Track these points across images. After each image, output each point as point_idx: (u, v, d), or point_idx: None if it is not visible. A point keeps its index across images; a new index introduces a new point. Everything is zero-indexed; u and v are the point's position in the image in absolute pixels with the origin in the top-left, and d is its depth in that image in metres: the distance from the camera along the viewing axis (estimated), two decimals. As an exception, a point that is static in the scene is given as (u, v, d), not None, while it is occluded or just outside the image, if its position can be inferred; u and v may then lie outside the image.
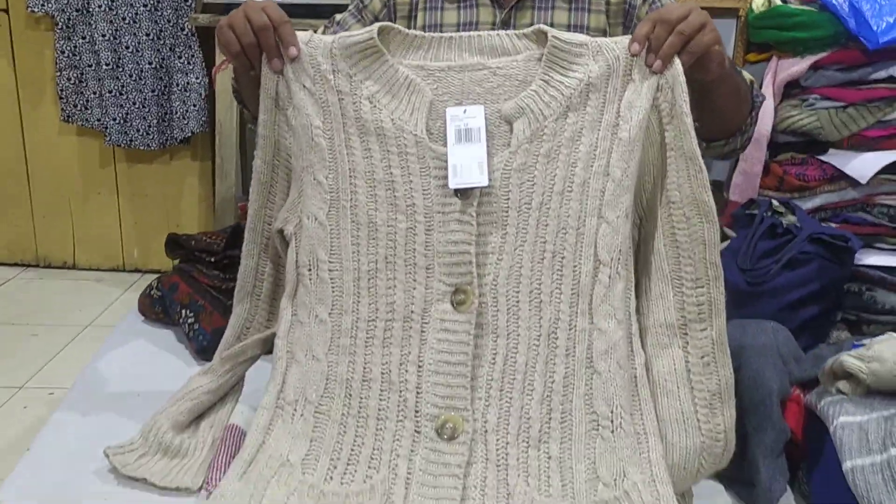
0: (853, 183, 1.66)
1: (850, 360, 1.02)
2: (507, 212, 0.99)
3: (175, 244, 1.63)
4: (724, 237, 1.75)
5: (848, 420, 0.98)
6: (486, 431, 0.95)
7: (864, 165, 1.65)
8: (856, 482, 0.92)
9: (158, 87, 2.33)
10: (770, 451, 1.03)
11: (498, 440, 0.95)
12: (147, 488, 1.04)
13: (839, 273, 1.52)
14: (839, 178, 1.66)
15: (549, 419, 0.96)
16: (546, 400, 0.96)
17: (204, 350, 1.40)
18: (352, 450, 0.98)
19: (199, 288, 1.50)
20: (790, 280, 1.49)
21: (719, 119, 1.16)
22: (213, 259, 1.56)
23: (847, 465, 0.93)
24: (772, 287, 1.50)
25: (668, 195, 1.01)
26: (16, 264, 2.64)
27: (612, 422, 0.96)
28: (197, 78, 2.32)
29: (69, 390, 1.30)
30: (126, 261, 2.66)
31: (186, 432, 1.14)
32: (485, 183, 0.98)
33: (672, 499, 0.92)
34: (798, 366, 1.15)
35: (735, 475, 1.06)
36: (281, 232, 1.10)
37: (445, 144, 1.00)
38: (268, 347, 1.16)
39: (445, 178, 0.99)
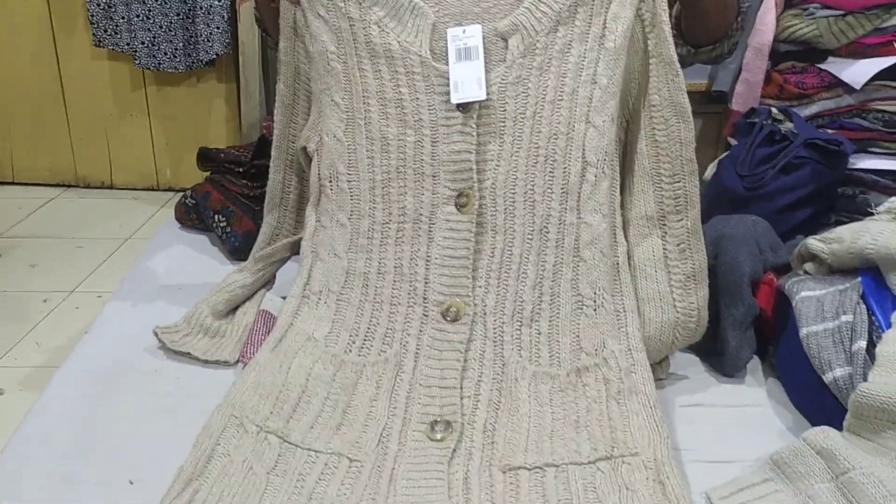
0: (849, 90, 1.70)
1: (813, 242, 1.13)
2: (503, 122, 1.09)
3: (206, 157, 1.75)
4: (727, 147, 1.82)
5: (808, 294, 1.09)
6: (484, 314, 1.07)
7: (859, 72, 1.69)
8: (809, 346, 1.03)
9: (183, 10, 2.42)
10: (739, 325, 1.14)
11: (495, 320, 1.08)
12: (191, 362, 1.20)
13: (832, 177, 1.58)
14: (836, 85, 1.70)
15: (540, 301, 1.08)
16: (538, 285, 1.08)
17: (236, 250, 1.54)
18: (368, 329, 1.11)
19: (230, 195, 1.63)
20: (785, 184, 1.56)
21: (706, 24, 1.23)
22: (241, 169, 1.68)
23: (803, 331, 1.05)
24: (767, 191, 1.57)
25: (650, 99, 1.12)
26: (57, 185, 2.80)
27: (594, 301, 1.08)
28: (219, 0, 2.41)
29: (120, 285, 1.45)
30: (160, 180, 2.80)
31: (224, 319, 1.29)
32: (483, 97, 1.08)
33: (646, 364, 1.05)
34: (774, 253, 1.26)
35: (708, 347, 1.19)
36: (304, 149, 1.23)
37: (447, 63, 1.10)
38: (295, 250, 1.31)
39: (448, 94, 1.09)
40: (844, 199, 1.68)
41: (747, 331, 1.15)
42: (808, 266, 1.16)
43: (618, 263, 1.11)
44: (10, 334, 1.80)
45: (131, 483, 0.94)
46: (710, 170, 1.72)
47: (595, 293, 1.08)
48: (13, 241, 2.31)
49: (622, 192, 1.15)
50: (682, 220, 1.12)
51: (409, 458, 0.96)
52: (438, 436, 0.98)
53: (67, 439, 1.01)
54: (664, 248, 1.12)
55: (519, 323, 1.08)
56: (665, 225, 1.13)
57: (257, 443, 0.97)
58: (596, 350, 1.06)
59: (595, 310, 1.08)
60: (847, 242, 1.07)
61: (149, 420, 1.06)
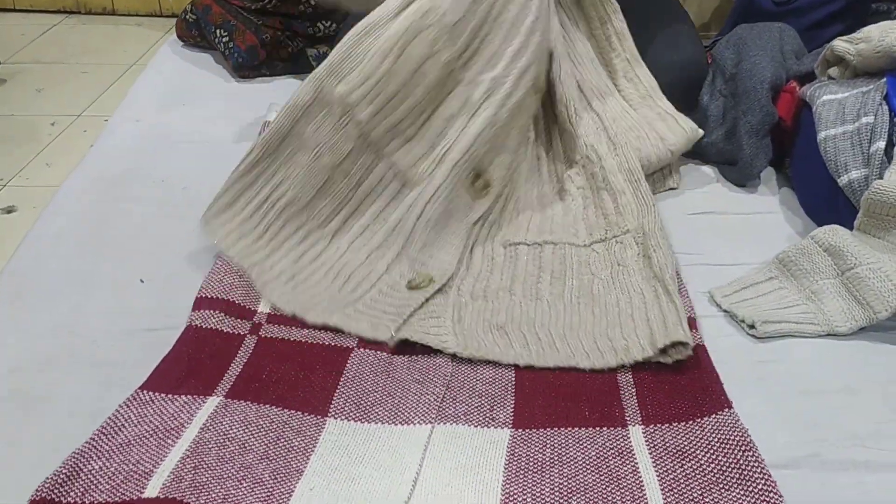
0: None
1: (839, 42, 1.07)
2: None
3: (205, -30, 1.67)
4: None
5: (830, 97, 1.05)
6: None
7: None
8: (826, 149, 1.00)
9: None
10: (755, 132, 1.11)
11: None
12: (196, 170, 1.18)
13: (863, -8, 1.50)
14: None
15: None
16: None
17: (240, 66, 1.50)
18: None
19: (231, 9, 1.56)
20: (815, -1, 1.48)
21: None
22: (242, -19, 1.60)
23: (822, 135, 1.01)
24: (798, 6, 1.49)
25: None
26: (58, 11, 2.70)
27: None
28: None
29: (123, 99, 1.43)
30: (162, 5, 2.70)
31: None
32: None
33: (630, 151, 1.09)
34: (798, 61, 1.20)
35: (725, 157, 1.16)
36: None
37: None
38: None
39: None
40: (877, 15, 1.59)
41: (763, 139, 1.11)
42: (833, 70, 1.11)
43: None
44: (20, 155, 1.80)
45: (142, 282, 0.95)
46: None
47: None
48: (18, 66, 2.26)
49: None
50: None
51: (444, 194, 0.98)
52: (479, 187, 1.02)
53: (78, 241, 1.02)
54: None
55: None
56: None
57: (336, 130, 0.98)
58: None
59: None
60: (875, 41, 1.02)
61: (157, 224, 1.06)
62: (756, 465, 0.68)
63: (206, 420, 0.74)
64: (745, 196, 1.14)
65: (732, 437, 0.71)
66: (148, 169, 1.19)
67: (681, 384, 0.79)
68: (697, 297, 0.93)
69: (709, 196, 1.15)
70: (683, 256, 1.00)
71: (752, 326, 0.87)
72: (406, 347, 0.85)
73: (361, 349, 0.85)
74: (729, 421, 0.73)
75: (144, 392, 0.76)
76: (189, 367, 0.80)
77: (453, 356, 0.83)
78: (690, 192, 1.16)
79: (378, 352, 0.84)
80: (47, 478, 0.66)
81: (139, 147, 1.25)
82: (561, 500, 0.66)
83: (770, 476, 0.67)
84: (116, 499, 0.65)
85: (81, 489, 0.66)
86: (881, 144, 0.95)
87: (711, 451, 0.70)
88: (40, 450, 0.72)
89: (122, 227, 1.05)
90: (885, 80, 1.01)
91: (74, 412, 0.76)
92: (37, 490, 0.64)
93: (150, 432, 0.72)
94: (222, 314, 0.87)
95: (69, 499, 0.65)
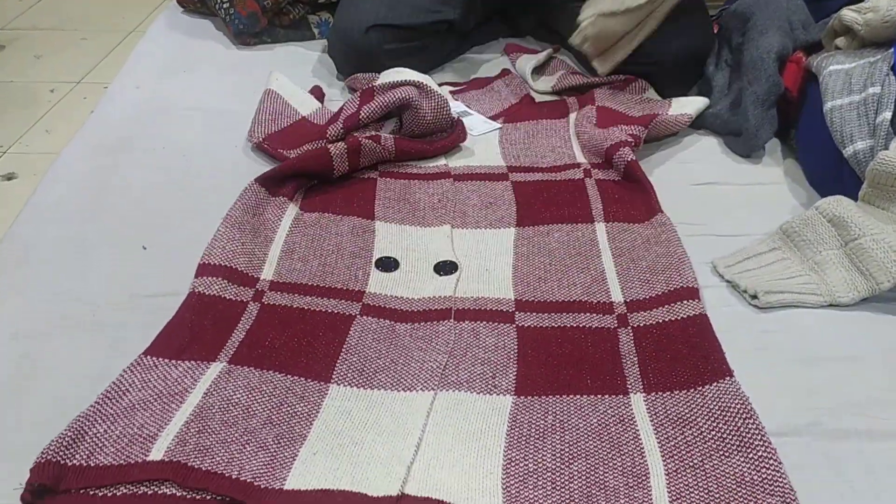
0: None
1: (847, 12, 1.05)
2: None
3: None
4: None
5: (836, 68, 1.04)
6: None
7: None
8: (833, 119, 0.99)
9: None
10: (761, 102, 1.10)
11: None
12: (197, 139, 1.18)
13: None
14: None
15: None
16: None
17: (241, 33, 1.48)
18: None
19: (232, -26, 1.54)
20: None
21: None
22: (242, -55, 1.58)
23: (828, 105, 1.01)
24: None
25: None
26: (56, -24, 2.67)
27: None
28: None
29: (123, 66, 1.41)
30: (162, -29, 2.67)
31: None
32: None
33: None
34: (805, 31, 1.19)
35: (730, 128, 1.15)
36: None
37: None
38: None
39: None
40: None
41: (769, 109, 1.11)
42: (840, 41, 1.10)
43: None
44: (19, 121, 1.79)
45: (144, 249, 0.95)
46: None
47: None
48: (15, 32, 2.25)
49: None
50: None
51: None
52: None
53: (78, 208, 1.02)
54: None
55: None
56: None
57: None
58: None
59: None
60: (883, 11, 1.00)
61: (158, 191, 1.06)
62: (756, 432, 0.68)
63: (210, 385, 0.74)
64: (750, 167, 1.14)
65: (733, 405, 0.71)
66: (148, 136, 1.18)
67: (682, 353, 0.79)
68: (700, 268, 0.93)
69: (713, 167, 1.14)
70: (686, 227, 0.99)
71: (754, 297, 0.87)
72: (409, 315, 0.85)
73: (364, 316, 0.85)
74: (730, 389, 0.73)
75: (148, 357, 0.76)
76: (192, 333, 0.80)
77: (456, 324, 0.84)
78: (694, 163, 1.15)
79: (381, 319, 0.85)
80: (52, 441, 0.66)
81: (139, 114, 1.24)
82: (562, 466, 0.67)
83: (770, 443, 0.67)
84: (121, 461, 0.66)
85: (86, 452, 0.66)
86: (887, 115, 0.94)
87: (712, 419, 0.71)
88: (44, 414, 0.72)
89: (123, 194, 1.05)
90: (892, 50, 1.00)
91: (77, 377, 0.76)
92: (42, 453, 0.65)
93: (154, 397, 0.72)
94: (225, 281, 0.87)
95: (74, 461, 0.65)
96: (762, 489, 0.64)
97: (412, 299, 0.88)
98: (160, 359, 0.77)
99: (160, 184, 1.08)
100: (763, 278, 0.89)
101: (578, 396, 0.75)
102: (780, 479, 0.64)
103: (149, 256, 0.94)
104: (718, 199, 1.07)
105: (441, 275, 0.91)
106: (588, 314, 0.85)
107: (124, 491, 0.64)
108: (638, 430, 0.70)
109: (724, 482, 0.65)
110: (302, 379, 0.76)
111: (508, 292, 0.89)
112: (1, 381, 0.76)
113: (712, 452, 0.68)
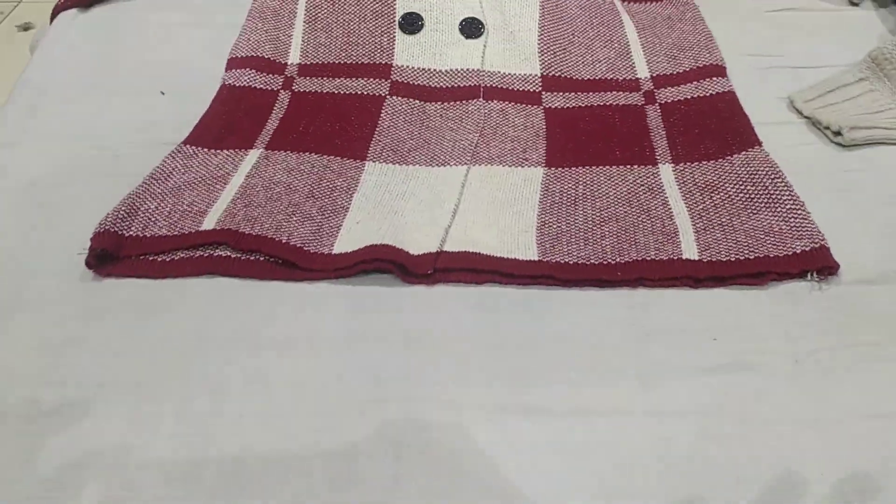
0: None
1: None
2: None
3: None
4: None
5: None
6: None
7: None
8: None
9: None
10: None
11: None
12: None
13: None
14: None
15: None
16: None
17: None
18: None
19: None
20: None
21: None
22: None
23: None
24: None
25: None
26: None
27: None
28: None
29: None
30: None
31: None
32: None
33: None
34: None
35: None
36: None
37: None
38: None
39: None
40: None
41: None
42: None
43: None
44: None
45: (163, 94, 0.88)
46: None
47: None
48: None
49: None
50: None
51: None
52: None
53: (93, 52, 0.94)
54: None
55: None
56: None
57: None
58: None
59: None
60: None
61: (175, 35, 0.97)
62: (784, 189, 0.69)
63: (251, 169, 0.76)
64: (833, -14, 1.01)
65: (762, 170, 0.72)
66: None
67: (710, 127, 0.79)
68: (776, 104, 0.83)
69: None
70: (761, 59, 0.89)
71: (837, 133, 0.77)
72: (438, 93, 0.86)
73: (394, 97, 0.85)
74: (758, 156, 0.74)
75: (187, 146, 0.78)
76: (227, 123, 0.82)
77: (485, 104, 0.84)
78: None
79: (411, 99, 0.85)
80: (107, 214, 0.68)
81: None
82: (594, 227, 0.69)
83: (798, 198, 0.68)
84: (175, 232, 0.68)
85: (141, 224, 0.69)
86: None
87: (741, 183, 0.72)
88: (63, 255, 0.68)
89: (139, 38, 0.97)
90: None
91: (97, 224, 0.72)
92: (100, 223, 0.67)
93: (199, 180, 0.74)
94: (253, 71, 0.88)
95: (131, 232, 0.68)
96: (790, 235, 0.65)
97: (440, 71, 0.88)
98: (199, 147, 0.78)
99: (178, 26, 0.99)
100: (848, 112, 0.79)
101: (608, 167, 0.76)
102: (809, 226, 0.66)
103: (167, 102, 0.87)
104: (797, 26, 0.95)
105: (466, 38, 0.90)
106: (615, 92, 0.85)
107: (182, 255, 0.67)
108: (667, 197, 0.72)
109: (752, 234, 0.66)
110: (338, 158, 0.77)
111: (535, 65, 0.88)
112: (21, 230, 0.72)
113: (740, 211, 0.69)
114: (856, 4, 0.98)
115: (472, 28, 0.91)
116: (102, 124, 0.84)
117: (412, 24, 0.92)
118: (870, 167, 0.75)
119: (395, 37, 0.91)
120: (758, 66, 0.88)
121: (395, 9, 0.93)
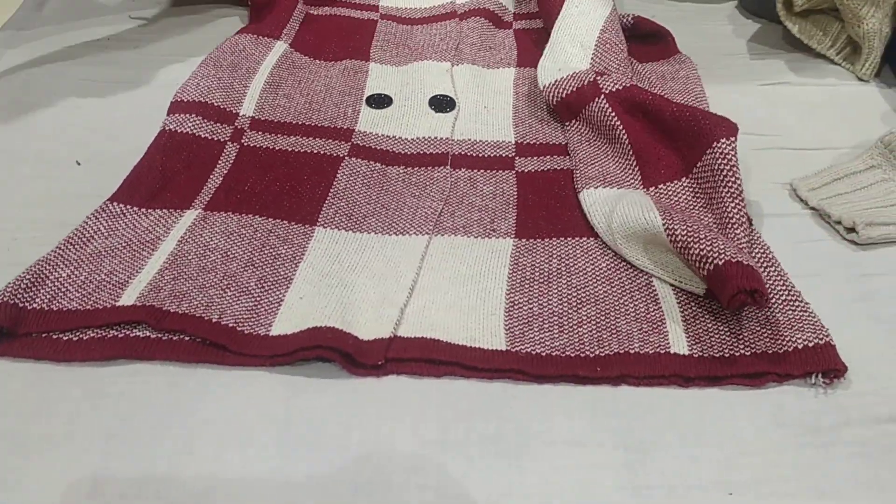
0: None
1: None
2: None
3: None
4: None
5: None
6: None
7: None
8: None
9: None
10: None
11: None
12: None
13: None
14: None
15: None
16: None
17: None
18: None
19: None
20: None
21: None
22: None
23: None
24: None
25: None
26: None
27: None
28: None
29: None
30: None
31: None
32: None
33: None
34: None
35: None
36: None
37: None
38: None
39: None
40: None
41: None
42: None
43: None
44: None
45: (78, 164, 0.76)
46: None
47: None
48: None
49: None
50: None
51: None
52: None
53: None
54: None
55: None
56: None
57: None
58: None
59: None
60: None
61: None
62: (778, 278, 0.62)
63: (185, 233, 0.67)
64: (828, 63, 0.93)
65: (754, 252, 0.64)
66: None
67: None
68: (776, 190, 0.74)
69: (783, 64, 0.93)
70: (757, 138, 0.80)
71: (850, 230, 0.68)
72: (402, 158, 0.78)
73: (353, 158, 0.78)
74: (753, 239, 0.66)
75: (115, 204, 0.69)
76: (163, 177, 0.73)
77: (452, 171, 0.77)
78: (762, 60, 0.94)
79: (371, 162, 0.77)
80: (9, 283, 0.59)
81: None
82: (570, 311, 0.61)
83: (794, 287, 0.61)
84: (88, 307, 0.59)
85: (48, 296, 0.60)
86: None
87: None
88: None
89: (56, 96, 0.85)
90: None
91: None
92: None
93: (123, 245, 0.65)
94: (199, 118, 0.79)
95: (35, 304, 0.59)
96: (789, 327, 0.58)
97: (405, 139, 0.80)
98: (128, 206, 0.69)
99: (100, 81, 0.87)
100: (860, 205, 0.70)
101: (584, 238, 0.69)
102: (810, 318, 0.58)
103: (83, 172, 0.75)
104: (796, 103, 0.86)
105: (437, 111, 0.84)
106: None
107: (91, 335, 0.58)
108: (650, 277, 0.64)
109: (747, 324, 0.59)
110: (285, 222, 0.70)
111: (509, 134, 0.82)
112: None
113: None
114: (865, 80, 0.90)
115: (442, 104, 0.85)
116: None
117: (380, 103, 0.85)
118: (891, 271, 0.66)
119: (360, 109, 0.85)
120: (754, 146, 0.79)
121: (363, 90, 0.88)
